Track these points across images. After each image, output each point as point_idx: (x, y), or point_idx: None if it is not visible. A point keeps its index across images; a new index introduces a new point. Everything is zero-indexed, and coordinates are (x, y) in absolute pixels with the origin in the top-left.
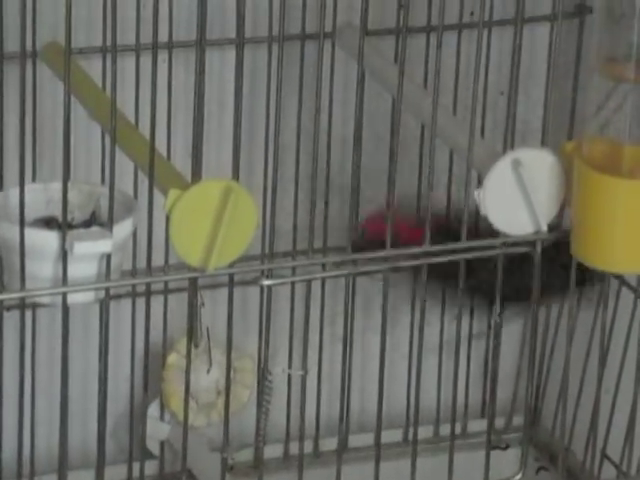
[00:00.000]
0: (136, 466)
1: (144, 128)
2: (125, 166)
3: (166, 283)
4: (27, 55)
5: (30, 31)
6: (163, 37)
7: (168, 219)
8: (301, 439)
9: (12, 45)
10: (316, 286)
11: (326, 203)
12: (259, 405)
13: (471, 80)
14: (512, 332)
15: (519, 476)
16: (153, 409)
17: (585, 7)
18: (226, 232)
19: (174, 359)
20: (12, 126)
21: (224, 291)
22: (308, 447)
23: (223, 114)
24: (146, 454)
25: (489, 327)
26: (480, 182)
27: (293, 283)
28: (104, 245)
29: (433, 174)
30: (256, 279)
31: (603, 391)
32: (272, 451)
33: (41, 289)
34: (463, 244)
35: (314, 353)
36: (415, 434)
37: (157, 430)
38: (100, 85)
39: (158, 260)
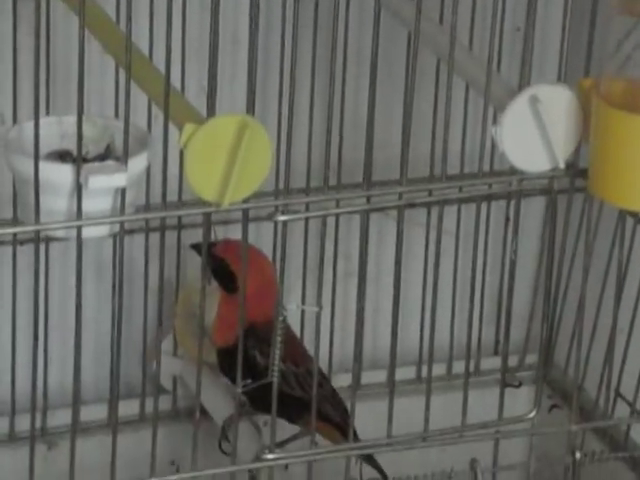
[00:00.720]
0: (149, 401)
1: (158, 63)
2: (138, 101)
3: (179, 219)
4: None
5: None
6: None
7: (183, 154)
8: (314, 376)
9: None
10: (330, 223)
11: (341, 138)
12: (274, 341)
13: (488, 16)
14: (525, 270)
15: (534, 413)
16: (166, 345)
17: None
18: (241, 167)
19: (187, 294)
20: (25, 61)
21: (237, 227)
22: None
23: (237, 50)
24: (158, 390)
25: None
26: (497, 119)
27: (307, 219)
28: (119, 179)
29: (450, 111)
30: (271, 215)
31: (617, 330)
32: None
33: (56, 222)
34: (481, 180)
35: (327, 290)
36: (429, 371)
37: (170, 366)
38: (114, 19)
39: (170, 196)
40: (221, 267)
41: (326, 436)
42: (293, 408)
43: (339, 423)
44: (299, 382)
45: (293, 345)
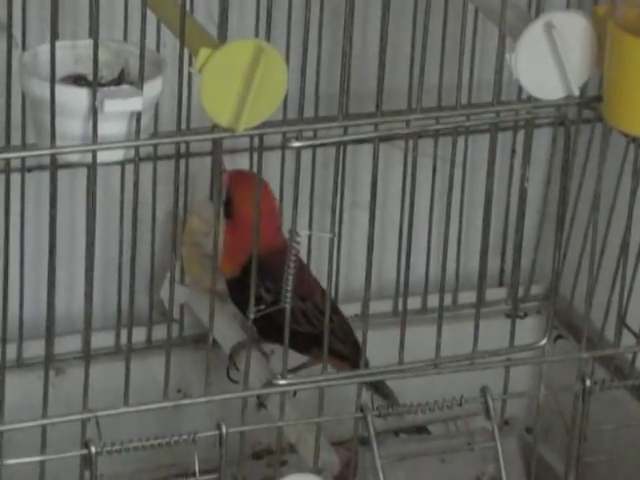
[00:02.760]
0: (157, 328)
1: None
2: (147, 27)
3: (188, 146)
4: None
5: None
6: None
7: (199, 79)
8: (328, 302)
9: None
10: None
11: (349, 68)
12: (287, 266)
13: None
14: (530, 202)
15: (544, 341)
16: (171, 273)
17: None
18: (256, 93)
19: (195, 223)
20: None
21: (244, 156)
22: None
23: None
24: (165, 318)
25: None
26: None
27: (314, 148)
28: (135, 103)
29: (464, 39)
30: (285, 141)
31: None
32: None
33: (72, 146)
34: (493, 108)
35: (325, 218)
36: (441, 299)
37: (177, 294)
38: None
39: (170, 124)
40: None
41: (336, 368)
42: (301, 342)
43: (348, 355)
44: (306, 317)
45: (301, 278)
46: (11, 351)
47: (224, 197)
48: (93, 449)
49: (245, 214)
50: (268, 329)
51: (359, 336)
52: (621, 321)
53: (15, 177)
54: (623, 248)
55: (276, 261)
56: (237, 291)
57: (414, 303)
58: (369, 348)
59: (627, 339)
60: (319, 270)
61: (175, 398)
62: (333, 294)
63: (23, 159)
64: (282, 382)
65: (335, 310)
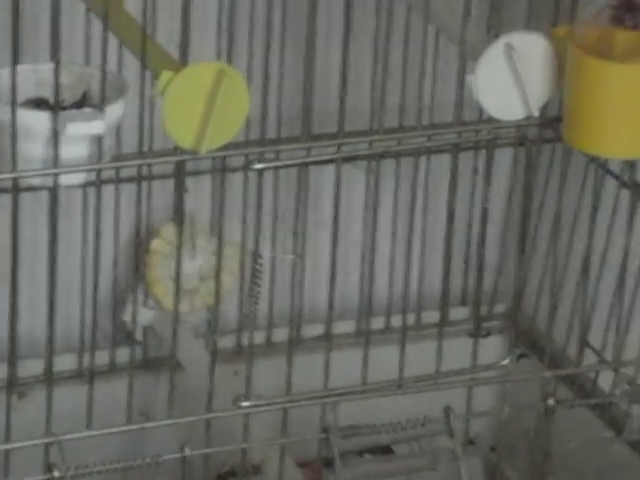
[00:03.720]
0: (120, 351)
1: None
2: (108, 49)
3: (150, 168)
4: None
5: None
6: None
7: (161, 101)
8: (292, 324)
9: None
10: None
11: (311, 89)
12: (250, 289)
13: None
14: (491, 221)
15: (507, 360)
16: (135, 294)
17: None
18: (218, 115)
19: (158, 245)
20: None
21: (206, 178)
22: (283, 334)
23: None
24: (130, 340)
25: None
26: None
27: (277, 168)
28: (96, 126)
29: (424, 61)
30: (248, 163)
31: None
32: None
33: (33, 170)
34: (454, 129)
35: (288, 239)
36: (404, 319)
37: (141, 316)
38: None
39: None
40: None
41: None
42: None
43: None
44: None
45: None
46: None
47: None
48: (57, 473)
49: None
50: None
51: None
52: (583, 340)
53: None
54: (584, 267)
55: None
56: None
57: (377, 323)
58: (332, 368)
59: (590, 358)
60: (283, 290)
61: (139, 421)
62: (297, 314)
63: None
64: (246, 404)
65: None
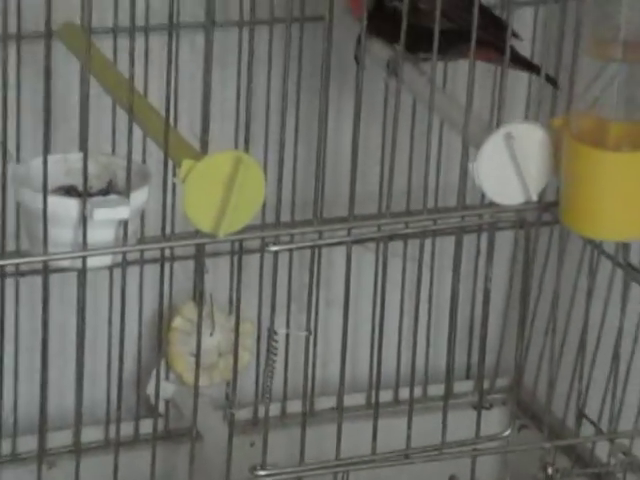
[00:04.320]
0: (143, 423)
1: (152, 103)
2: (133, 139)
3: (172, 251)
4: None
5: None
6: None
7: (182, 188)
8: (305, 397)
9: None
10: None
11: (323, 175)
12: (267, 364)
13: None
14: (494, 299)
15: (508, 431)
16: (157, 369)
17: (553, 80)
18: (236, 201)
19: (179, 323)
20: (26, 102)
21: (224, 259)
22: (297, 406)
23: (225, 91)
24: (153, 412)
25: (473, 294)
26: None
27: (291, 250)
28: (122, 212)
29: (430, 148)
30: (264, 245)
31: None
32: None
33: (63, 253)
34: (458, 213)
35: (301, 316)
36: (411, 392)
37: (163, 390)
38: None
39: (156, 231)
40: None
41: (483, 59)
42: (446, 40)
43: (492, 40)
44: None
45: None
46: (6, 446)
47: None
48: None
49: None
50: (414, 40)
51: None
52: (580, 412)
53: (10, 281)
54: (581, 344)
55: None
56: (378, 21)
57: (386, 396)
58: (344, 439)
59: (587, 429)
60: (296, 365)
61: None
62: (309, 388)
63: (17, 265)
64: (262, 473)
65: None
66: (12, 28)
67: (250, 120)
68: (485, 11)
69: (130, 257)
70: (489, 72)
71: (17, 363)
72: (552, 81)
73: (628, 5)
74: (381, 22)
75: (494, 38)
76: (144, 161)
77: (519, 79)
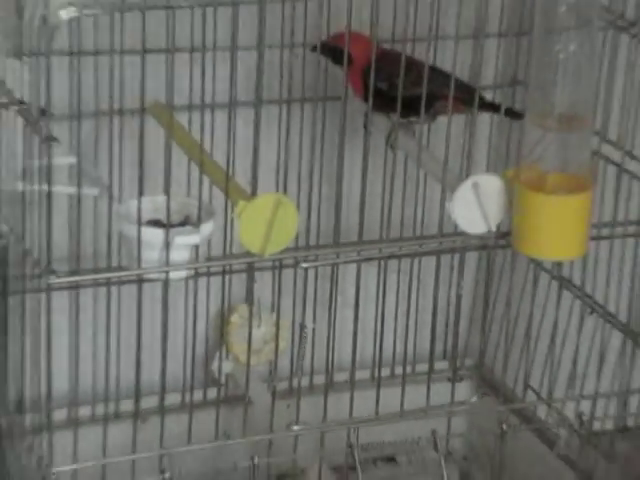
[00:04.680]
0: (209, 391)
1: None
2: (204, 185)
3: (230, 267)
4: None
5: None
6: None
7: (238, 221)
8: (326, 372)
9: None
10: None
11: (337, 215)
12: (299, 349)
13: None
14: (464, 300)
15: (475, 398)
16: (219, 353)
17: (517, 80)
18: (276, 230)
19: (235, 319)
20: (127, 159)
21: (268, 273)
22: (321, 379)
23: (268, 151)
24: (216, 383)
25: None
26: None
27: (317, 267)
28: (195, 238)
29: (419, 192)
30: (297, 263)
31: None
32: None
33: (152, 268)
34: (438, 239)
35: (324, 314)
36: (404, 369)
37: (223, 367)
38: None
39: (218, 251)
40: (334, 50)
41: (455, 110)
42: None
43: (459, 97)
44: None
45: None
46: (111, 407)
47: (337, 50)
48: (167, 475)
49: (356, 56)
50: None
51: (345, 396)
52: (526, 384)
53: (114, 288)
54: (526, 334)
55: (380, 63)
56: (378, 103)
57: (385, 372)
58: (355, 404)
59: (531, 396)
60: (320, 350)
61: (223, 439)
62: (330, 366)
63: (119, 277)
64: (296, 428)
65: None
66: (116, 104)
67: (287, 171)
68: (448, 76)
69: (200, 271)
70: (459, 135)
71: (119, 346)
72: (514, 114)
73: (560, 90)
74: (375, 99)
75: (461, 93)
76: (210, 202)
77: (480, 142)
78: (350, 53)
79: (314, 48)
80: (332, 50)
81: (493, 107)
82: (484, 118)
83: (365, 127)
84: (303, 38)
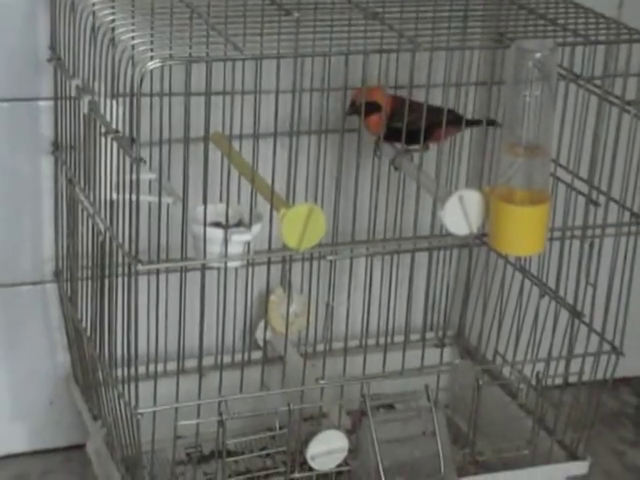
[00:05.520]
0: (254, 354)
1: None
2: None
3: (269, 259)
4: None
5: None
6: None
7: (280, 223)
8: (345, 340)
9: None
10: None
11: (354, 220)
12: (326, 320)
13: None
14: (451, 288)
15: (457, 361)
16: (262, 324)
17: (493, 121)
18: (309, 231)
19: (274, 298)
20: (194, 176)
21: (299, 264)
22: (340, 345)
23: (300, 172)
24: (260, 347)
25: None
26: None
27: (334, 261)
28: (247, 236)
29: (419, 202)
30: (322, 256)
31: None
32: (319, 347)
33: (214, 259)
34: (429, 238)
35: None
36: (406, 336)
37: (265, 335)
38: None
39: (261, 246)
40: (368, 105)
41: (449, 134)
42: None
43: (451, 121)
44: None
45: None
46: (174, 364)
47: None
48: (224, 416)
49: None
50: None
51: (359, 358)
52: (495, 350)
53: (184, 274)
54: (495, 312)
55: (394, 110)
56: (389, 136)
57: (388, 340)
58: (366, 364)
59: (499, 360)
60: (339, 323)
61: (265, 390)
62: (346, 335)
63: (184, 267)
64: (322, 382)
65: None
66: (179, 134)
67: (317, 186)
68: (439, 109)
69: (250, 262)
70: (446, 159)
71: (186, 318)
72: (492, 122)
73: (526, 126)
74: (389, 133)
75: (453, 117)
76: (256, 207)
77: (462, 164)
78: (378, 103)
79: (349, 111)
80: (365, 105)
81: (476, 122)
82: (465, 144)
83: (375, 153)
84: (327, 83)
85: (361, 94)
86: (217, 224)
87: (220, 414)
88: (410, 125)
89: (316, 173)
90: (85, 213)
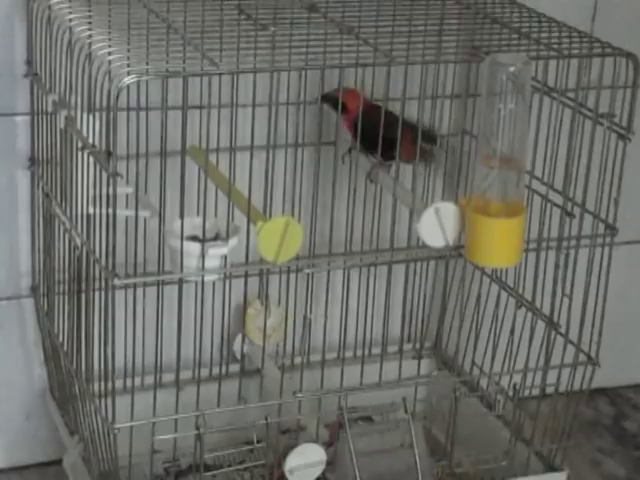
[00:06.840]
0: (231, 367)
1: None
2: (229, 208)
3: (246, 272)
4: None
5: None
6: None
7: (257, 236)
8: (322, 352)
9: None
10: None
11: (331, 234)
12: (302, 334)
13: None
14: (428, 299)
15: (435, 372)
16: (239, 336)
17: (465, 131)
18: (286, 244)
19: (251, 310)
20: (171, 189)
21: (277, 276)
22: (317, 357)
23: (278, 185)
24: (237, 360)
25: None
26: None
27: (312, 274)
28: (223, 250)
29: (396, 215)
30: (300, 269)
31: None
32: (297, 359)
33: (191, 273)
34: (407, 250)
35: (320, 307)
36: (383, 348)
37: (243, 347)
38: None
39: (238, 258)
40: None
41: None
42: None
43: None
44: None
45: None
46: (150, 379)
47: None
48: (202, 430)
49: (351, 108)
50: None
51: (336, 370)
52: (472, 361)
53: (154, 289)
54: (472, 324)
55: (366, 113)
56: (363, 140)
57: (366, 352)
58: (344, 376)
59: (476, 371)
60: (316, 335)
61: (241, 404)
62: (323, 347)
63: (161, 281)
64: (299, 395)
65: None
66: (156, 147)
67: (294, 199)
68: (414, 124)
69: (226, 275)
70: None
71: (163, 331)
72: (431, 138)
73: (501, 138)
74: (362, 144)
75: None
76: (232, 221)
77: (438, 175)
78: (345, 103)
79: (322, 99)
80: (334, 99)
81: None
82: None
83: (343, 159)
84: (304, 97)
85: (339, 93)
86: (194, 238)
87: (198, 428)
88: (371, 133)
89: (293, 186)
90: (62, 227)
